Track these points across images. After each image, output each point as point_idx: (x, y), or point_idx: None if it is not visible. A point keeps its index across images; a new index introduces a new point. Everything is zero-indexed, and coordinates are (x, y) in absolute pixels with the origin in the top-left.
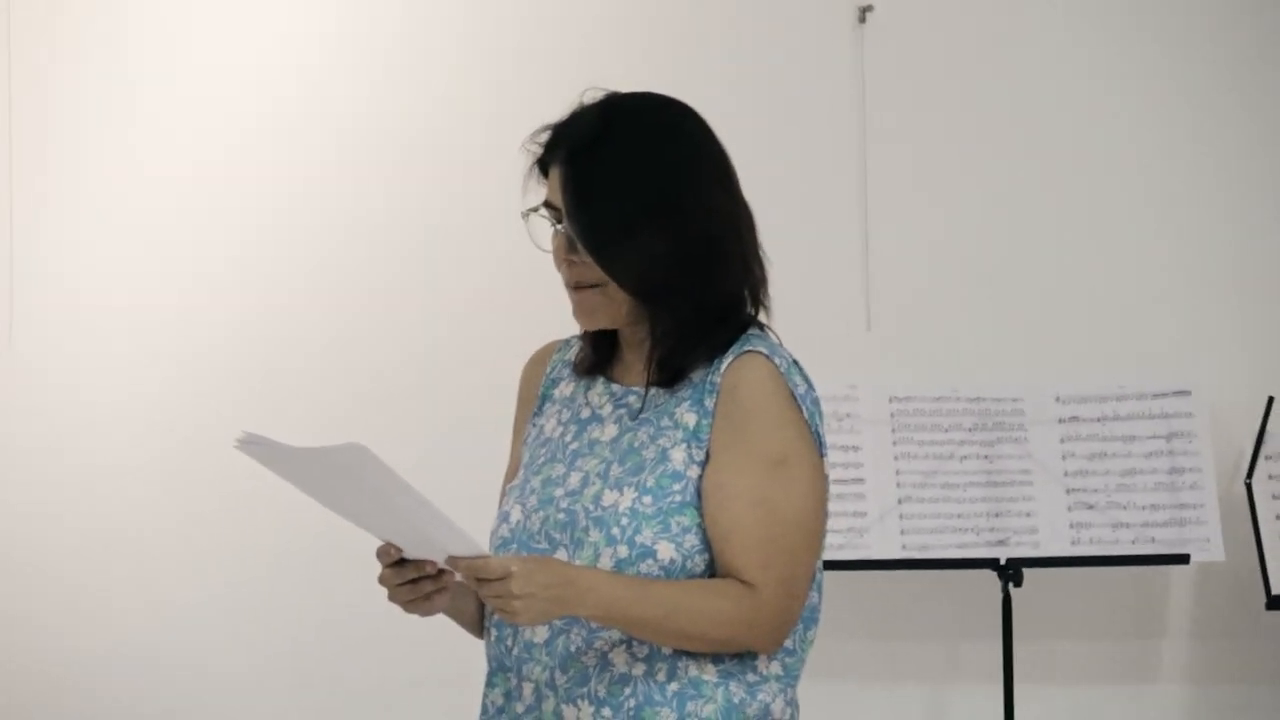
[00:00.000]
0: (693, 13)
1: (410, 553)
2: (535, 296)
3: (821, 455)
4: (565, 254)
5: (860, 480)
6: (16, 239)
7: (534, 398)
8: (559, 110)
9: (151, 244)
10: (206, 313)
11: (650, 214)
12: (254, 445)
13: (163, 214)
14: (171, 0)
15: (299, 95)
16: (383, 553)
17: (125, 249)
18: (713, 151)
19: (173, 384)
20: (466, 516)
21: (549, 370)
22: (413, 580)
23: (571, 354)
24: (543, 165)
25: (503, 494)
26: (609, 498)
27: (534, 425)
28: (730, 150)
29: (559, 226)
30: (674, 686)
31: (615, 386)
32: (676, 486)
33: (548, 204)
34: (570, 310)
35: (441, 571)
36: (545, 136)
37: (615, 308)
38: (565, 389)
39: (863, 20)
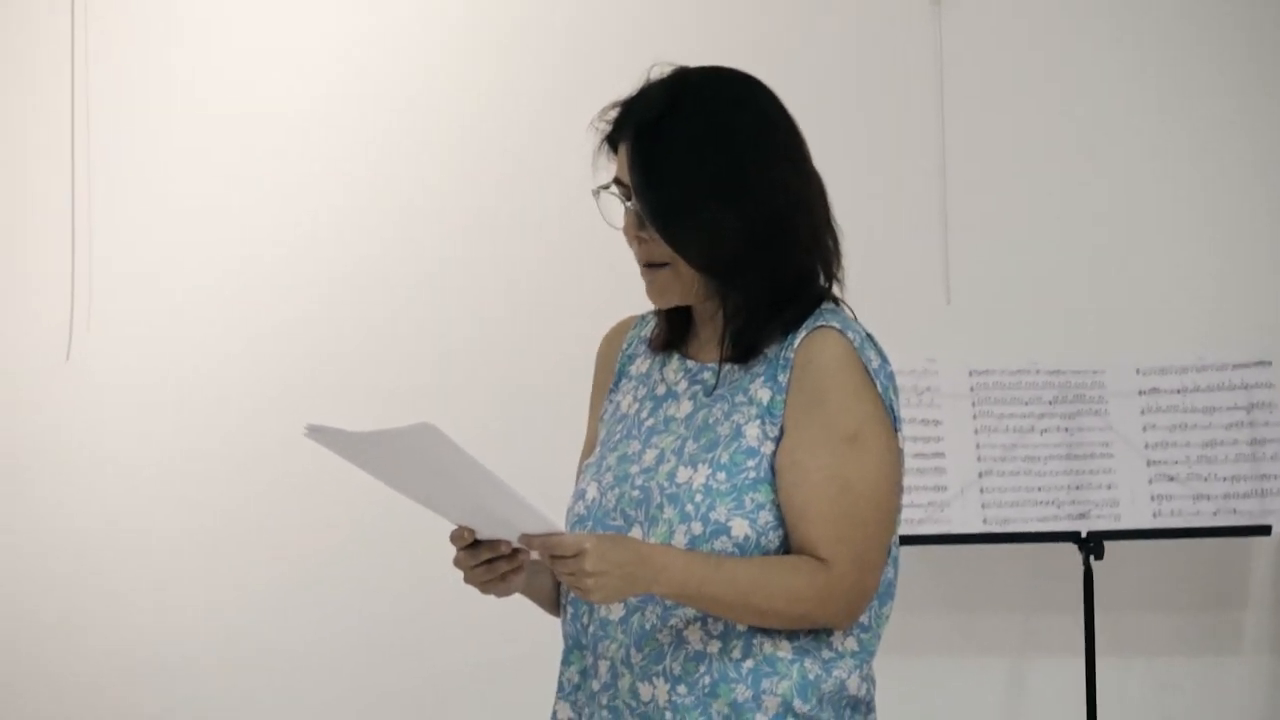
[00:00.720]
0: None
1: (484, 533)
2: (609, 274)
3: (896, 430)
4: (635, 231)
5: (940, 454)
6: (78, 253)
7: (610, 374)
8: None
9: (209, 252)
10: (265, 315)
11: (717, 189)
12: (321, 434)
13: (221, 216)
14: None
15: (356, 88)
16: (456, 536)
17: (183, 261)
18: (781, 125)
19: (234, 383)
20: (541, 495)
21: (625, 347)
22: (488, 561)
23: (647, 330)
24: (612, 142)
25: (579, 471)
26: (683, 474)
27: (610, 402)
28: (810, 127)
29: (628, 204)
30: (749, 663)
31: (690, 363)
32: (751, 463)
33: (617, 181)
34: (643, 288)
35: (516, 551)
36: (614, 113)
37: (686, 285)
38: (641, 365)
39: (938, 1)
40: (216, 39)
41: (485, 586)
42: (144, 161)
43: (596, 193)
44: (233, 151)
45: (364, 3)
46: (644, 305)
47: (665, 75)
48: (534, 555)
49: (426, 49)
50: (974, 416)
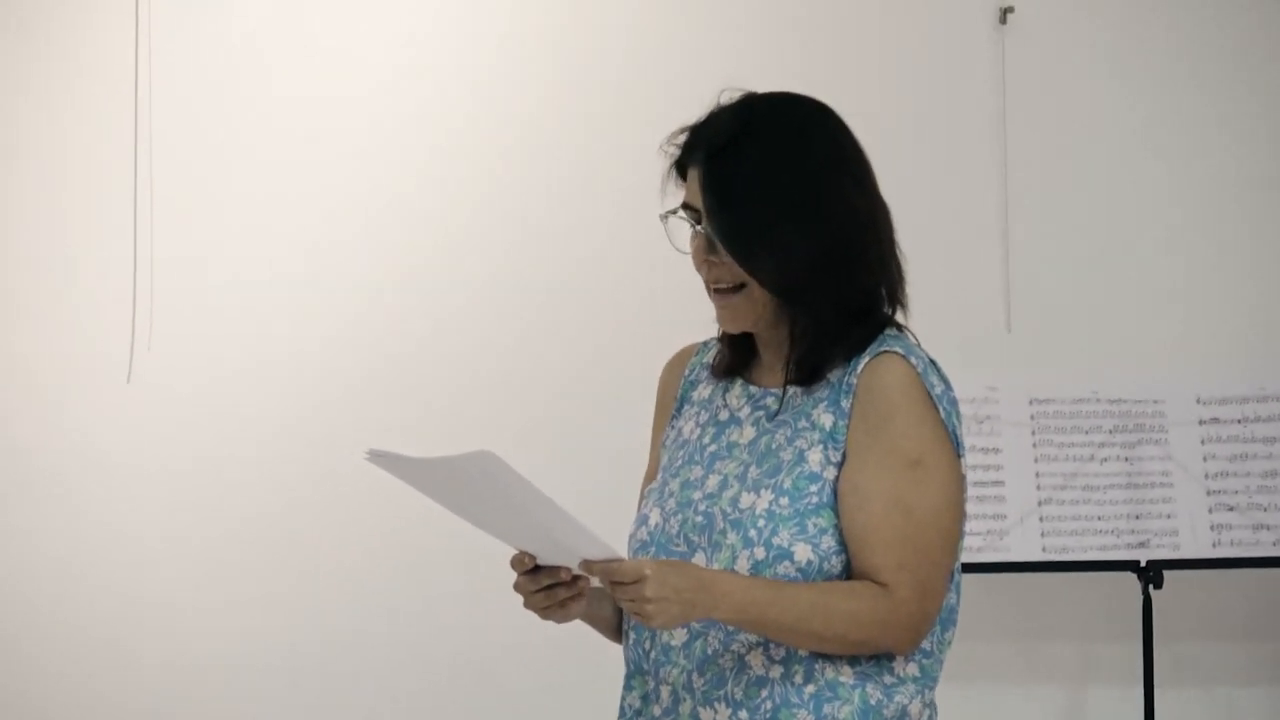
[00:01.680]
0: (836, 13)
1: (544, 559)
2: (673, 298)
3: (959, 456)
4: (705, 255)
5: (1000, 483)
6: (139, 275)
7: (672, 400)
8: (696, 111)
9: (270, 274)
10: (325, 338)
11: (789, 212)
12: (383, 459)
13: (282, 241)
14: (302, 5)
15: (415, 106)
16: (516, 561)
17: (243, 284)
18: (850, 149)
19: (296, 405)
20: (604, 520)
21: (687, 373)
22: (548, 587)
23: (710, 356)
24: (680, 167)
25: (641, 497)
26: (746, 500)
27: (673, 428)
28: (872, 150)
29: (698, 228)
30: (811, 688)
31: (753, 388)
32: (813, 488)
33: (686, 205)
34: (713, 314)
35: (576, 578)
36: (683, 138)
37: (757, 309)
38: (703, 391)
39: (1004, 21)
40: (280, 64)
41: (545, 613)
42: (205, 186)
43: (665, 217)
44: (294, 178)
45: (420, 21)
46: (708, 329)
47: (734, 100)
48: (595, 582)
49: (488, 56)
50: (1034, 445)
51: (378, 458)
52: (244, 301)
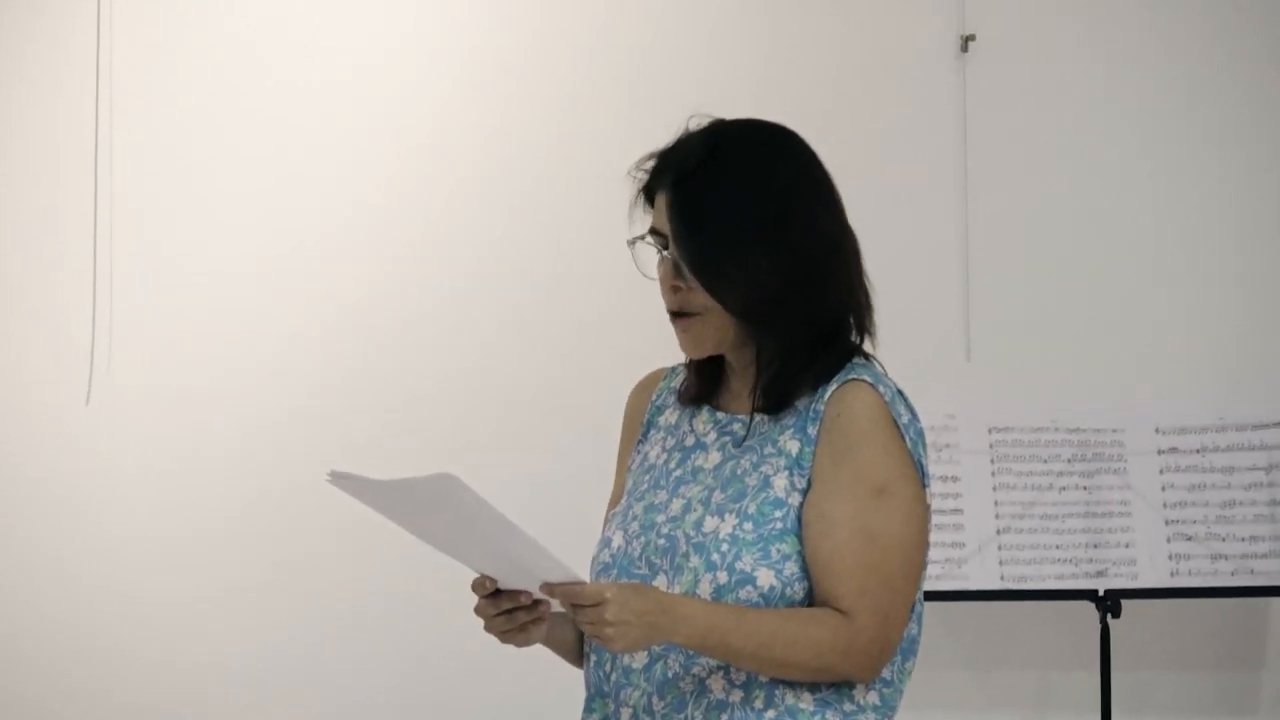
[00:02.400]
0: (797, 42)
1: (505, 583)
2: (643, 324)
3: (924, 486)
4: (672, 280)
5: (959, 510)
6: (99, 297)
7: (639, 425)
8: (664, 138)
9: (229, 297)
10: (285, 363)
11: (757, 238)
12: (344, 480)
13: (242, 264)
14: (268, 12)
15: (382, 107)
16: (478, 585)
17: (203, 307)
18: (819, 176)
19: (255, 427)
20: (569, 543)
21: (654, 398)
22: (508, 611)
23: (677, 381)
24: (649, 192)
25: (606, 520)
26: (710, 524)
27: (639, 452)
28: (834, 179)
29: (665, 253)
30: (771, 714)
31: (720, 414)
32: (778, 513)
33: (654, 231)
34: (674, 339)
35: (537, 602)
36: (651, 163)
37: (720, 334)
38: (670, 416)
39: (965, 49)
40: (238, 73)
41: (505, 636)
42: (165, 208)
43: (632, 243)
44: (254, 195)
45: (387, 19)
46: (674, 355)
47: (703, 126)
48: (556, 606)
49: (459, 58)
50: (993, 473)
51: (339, 479)
52: (205, 322)
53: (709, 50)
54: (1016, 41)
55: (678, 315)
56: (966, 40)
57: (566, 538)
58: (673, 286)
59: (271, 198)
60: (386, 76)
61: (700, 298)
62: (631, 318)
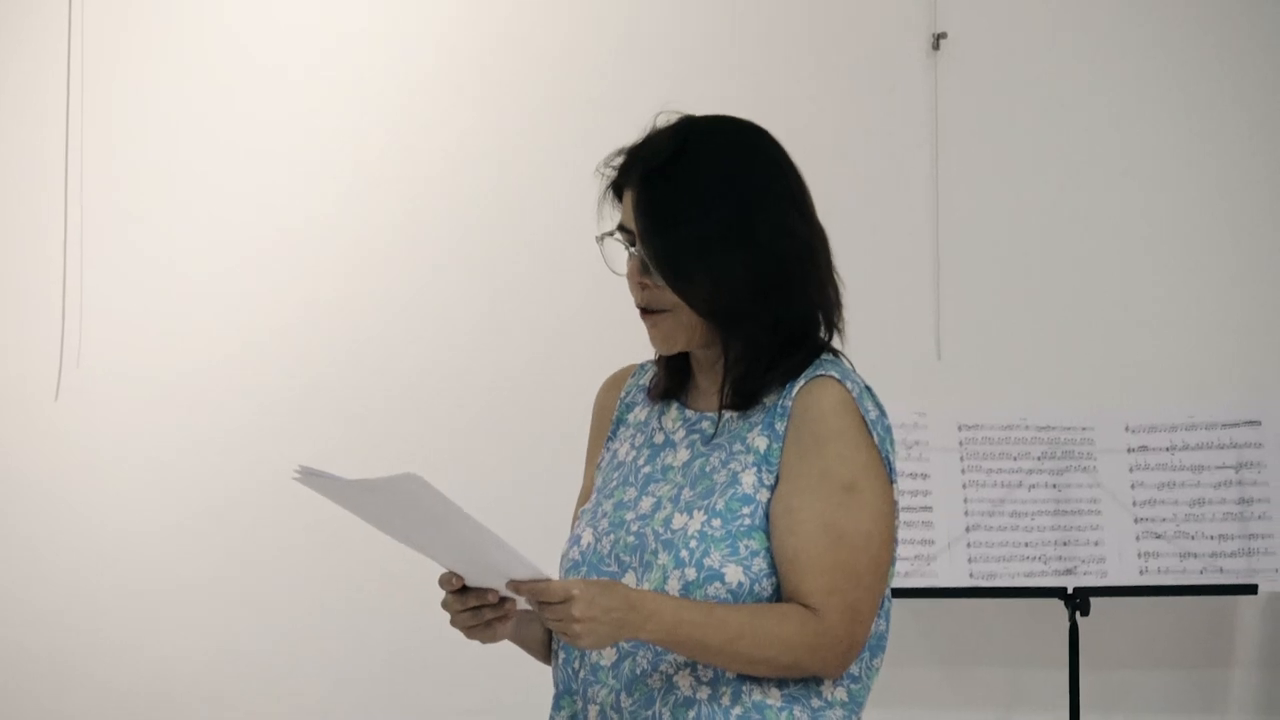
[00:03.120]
0: (768, 38)
1: (471, 580)
2: (612, 320)
3: (892, 482)
4: (639, 277)
5: (928, 508)
6: (69, 292)
7: (608, 422)
8: (634, 134)
9: (198, 293)
10: (254, 358)
11: (724, 236)
12: (312, 477)
13: (212, 259)
14: (243, 12)
15: (352, 107)
16: (444, 580)
17: (172, 302)
18: (788, 174)
19: (224, 422)
20: (538, 541)
21: (624, 395)
22: (475, 608)
23: (646, 379)
24: (617, 188)
25: (575, 518)
26: (678, 521)
27: (608, 450)
28: (805, 177)
29: (633, 249)
30: (738, 710)
31: (689, 412)
32: (746, 510)
33: (622, 227)
34: (643, 338)
35: (504, 599)
36: (620, 159)
37: (689, 331)
38: (639, 414)
39: (936, 47)
40: (210, 67)
41: (471, 632)
42: (136, 201)
43: (601, 239)
44: (223, 191)
45: (360, 13)
46: (643, 352)
47: (672, 122)
48: (522, 604)
49: (431, 55)
50: (962, 471)
51: (307, 477)
52: (175, 316)
53: (680, 46)
54: (988, 39)
55: (647, 311)
56: (938, 38)
57: (536, 535)
58: (640, 283)
59: (243, 192)
60: (361, 73)
61: (668, 295)
62: (601, 316)
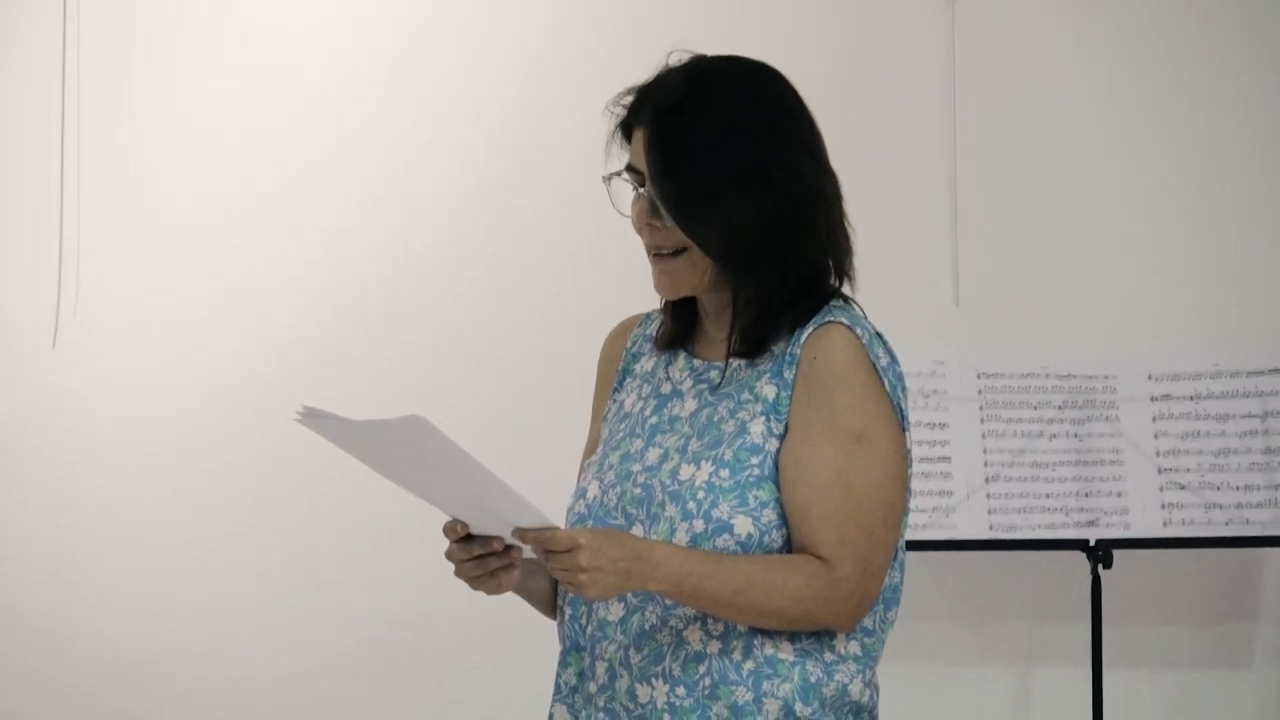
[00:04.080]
0: None
1: (476, 528)
2: (615, 270)
3: (904, 430)
4: (647, 218)
5: (947, 459)
6: (66, 240)
7: (614, 373)
8: (637, 75)
9: (196, 241)
10: (253, 305)
11: (737, 178)
12: (314, 418)
13: (209, 205)
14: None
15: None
16: (449, 529)
17: (169, 251)
18: (801, 117)
19: (222, 371)
20: (543, 493)
21: (629, 345)
22: (479, 557)
23: (652, 328)
24: (626, 128)
25: (581, 470)
26: (686, 472)
27: (614, 401)
28: (821, 124)
29: (641, 190)
30: (749, 665)
31: (696, 361)
32: (754, 460)
33: (630, 168)
34: (647, 293)
35: (509, 548)
36: (629, 99)
37: (697, 275)
38: (646, 364)
39: None
40: (208, 27)
41: (475, 582)
42: (132, 151)
43: (608, 179)
44: (221, 140)
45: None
46: (650, 299)
47: (684, 62)
48: (528, 552)
49: (432, 41)
50: (981, 420)
51: (308, 417)
52: (172, 266)
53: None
54: None
55: (657, 255)
56: None
57: (542, 488)
58: (649, 224)
59: (241, 143)
60: (361, 25)
61: (677, 236)
62: (606, 266)
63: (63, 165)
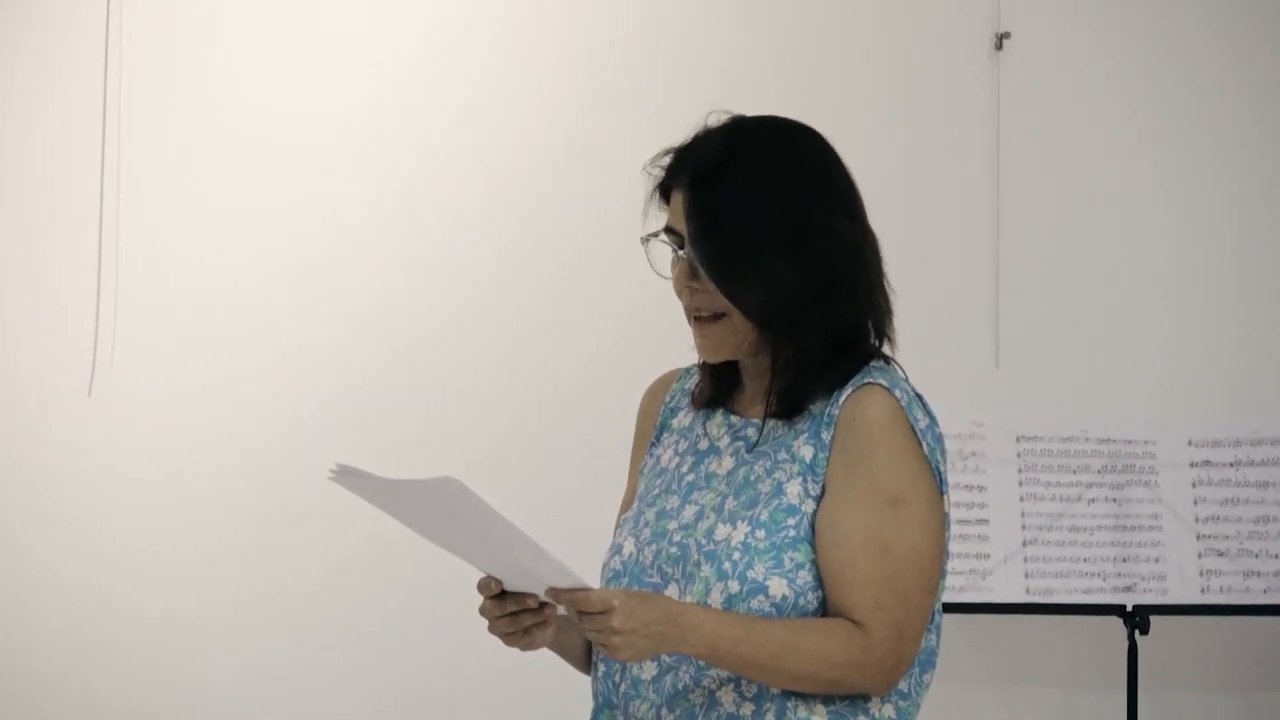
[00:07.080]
0: (829, 40)
1: (510, 585)
2: (655, 325)
3: (942, 493)
4: (687, 281)
5: (984, 521)
6: (104, 286)
7: (652, 428)
8: (684, 130)
9: (233, 287)
10: (289, 353)
11: (776, 241)
12: (348, 477)
13: (247, 254)
14: (280, 5)
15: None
16: (483, 585)
17: (207, 298)
18: (840, 178)
19: (258, 418)
20: (578, 548)
21: (668, 400)
22: (513, 613)
23: (691, 383)
24: (664, 189)
25: (617, 525)
26: (722, 531)
27: (651, 455)
28: (862, 179)
29: (680, 252)
30: None
31: (734, 418)
32: (791, 521)
33: (669, 229)
34: (686, 342)
35: (543, 605)
36: (668, 160)
37: (739, 338)
38: (684, 419)
39: (999, 47)
40: (250, 66)
41: (509, 639)
42: (172, 200)
43: (646, 240)
44: (263, 196)
45: (397, 21)
46: (691, 352)
47: (722, 123)
48: (561, 610)
49: (473, 56)
50: (1020, 483)
51: (343, 476)
52: (209, 314)
53: (738, 46)
54: (1051, 40)
55: (698, 320)
56: (1001, 38)
57: (577, 543)
58: (688, 287)
59: (280, 192)
60: (399, 73)
61: (717, 299)
62: (645, 321)
63: (101, 212)
